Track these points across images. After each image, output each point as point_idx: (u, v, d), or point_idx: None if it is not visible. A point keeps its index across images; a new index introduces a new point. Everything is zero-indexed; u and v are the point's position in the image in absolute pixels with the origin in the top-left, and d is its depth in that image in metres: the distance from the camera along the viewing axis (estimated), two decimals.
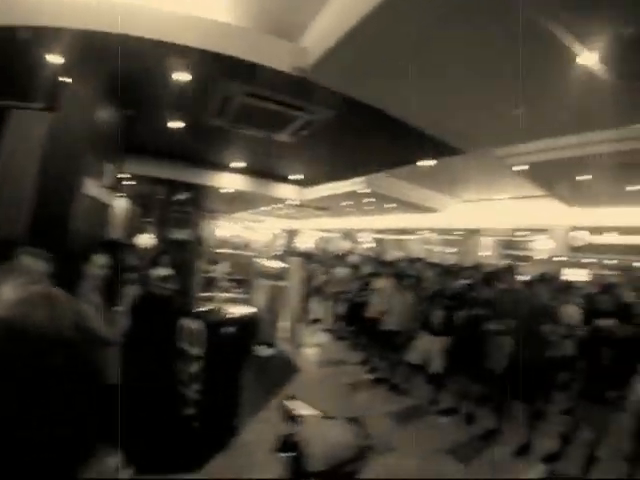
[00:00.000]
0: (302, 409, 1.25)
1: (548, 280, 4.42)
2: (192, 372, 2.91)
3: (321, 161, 7.58)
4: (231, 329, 3.44)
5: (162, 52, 3.37)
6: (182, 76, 3.86)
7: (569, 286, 5.87)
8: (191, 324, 2.98)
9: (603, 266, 11.58)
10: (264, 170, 8.48)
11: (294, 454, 1.10)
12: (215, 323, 3.34)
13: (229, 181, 8.47)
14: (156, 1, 3.26)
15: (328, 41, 3.05)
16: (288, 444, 1.13)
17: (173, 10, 3.28)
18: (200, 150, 7.23)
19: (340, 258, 8.83)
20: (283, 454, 1.11)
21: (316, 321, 8.33)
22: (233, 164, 7.90)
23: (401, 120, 4.74)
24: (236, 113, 4.96)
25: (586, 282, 8.50)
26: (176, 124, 5.57)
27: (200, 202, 8.48)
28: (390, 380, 5.00)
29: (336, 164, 7.72)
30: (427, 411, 4.36)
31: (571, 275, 11.07)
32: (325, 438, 1.13)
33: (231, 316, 3.88)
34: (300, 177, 8.98)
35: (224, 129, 5.63)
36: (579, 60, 3.15)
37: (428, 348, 4.41)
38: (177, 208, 8.30)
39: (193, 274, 6.38)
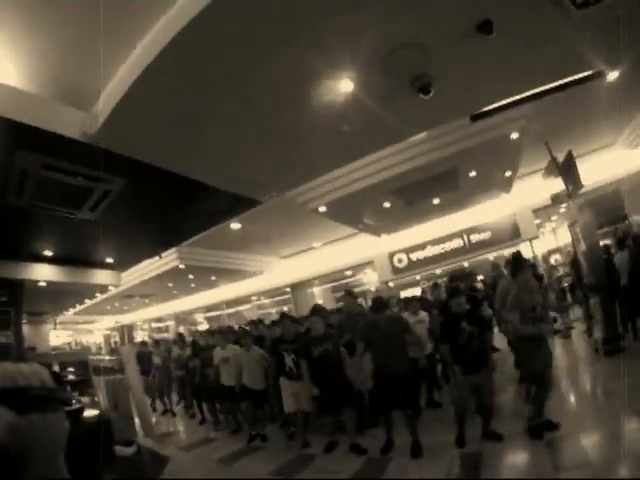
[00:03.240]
0: None
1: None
2: None
3: (127, 237, 7.20)
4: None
5: None
6: None
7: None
8: None
9: (431, 276, 13.42)
10: (75, 256, 7.71)
11: None
12: None
13: (44, 273, 7.62)
14: None
15: (111, 106, 3.50)
16: None
17: None
18: (6, 238, 6.38)
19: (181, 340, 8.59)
20: None
21: (166, 412, 8.03)
22: (45, 252, 7.22)
23: (195, 179, 4.95)
24: (35, 188, 4.84)
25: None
26: None
27: (19, 299, 7.42)
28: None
29: (142, 239, 7.39)
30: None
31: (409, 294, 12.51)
32: None
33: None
34: (113, 259, 8.38)
35: (26, 209, 5.30)
36: (341, 88, 3.64)
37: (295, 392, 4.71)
38: None
39: None
